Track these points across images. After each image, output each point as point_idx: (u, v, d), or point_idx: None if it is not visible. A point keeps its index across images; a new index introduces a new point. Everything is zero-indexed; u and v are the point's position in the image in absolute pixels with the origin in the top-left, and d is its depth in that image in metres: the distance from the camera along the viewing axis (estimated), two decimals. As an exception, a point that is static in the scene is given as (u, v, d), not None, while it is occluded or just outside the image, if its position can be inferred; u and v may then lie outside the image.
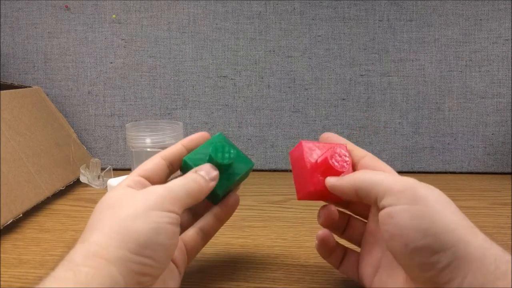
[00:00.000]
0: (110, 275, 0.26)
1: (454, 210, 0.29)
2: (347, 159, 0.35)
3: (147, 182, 0.34)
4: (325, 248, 0.36)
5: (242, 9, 0.72)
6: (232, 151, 0.35)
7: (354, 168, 0.36)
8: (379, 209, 0.30)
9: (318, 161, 0.35)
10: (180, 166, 0.37)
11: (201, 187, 0.33)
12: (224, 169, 0.35)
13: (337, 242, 0.36)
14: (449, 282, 0.26)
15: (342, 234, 0.38)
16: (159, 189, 0.31)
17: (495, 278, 0.25)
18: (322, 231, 0.35)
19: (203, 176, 0.33)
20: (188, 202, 0.32)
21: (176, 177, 0.34)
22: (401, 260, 0.29)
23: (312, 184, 0.35)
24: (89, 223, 0.30)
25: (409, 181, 0.30)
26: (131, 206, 0.29)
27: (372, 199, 0.31)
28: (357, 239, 0.37)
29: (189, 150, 0.36)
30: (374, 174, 0.32)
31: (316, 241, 0.36)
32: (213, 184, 0.34)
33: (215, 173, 0.34)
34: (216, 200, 0.37)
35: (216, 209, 0.37)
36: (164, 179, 0.36)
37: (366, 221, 0.36)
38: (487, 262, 0.26)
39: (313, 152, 0.36)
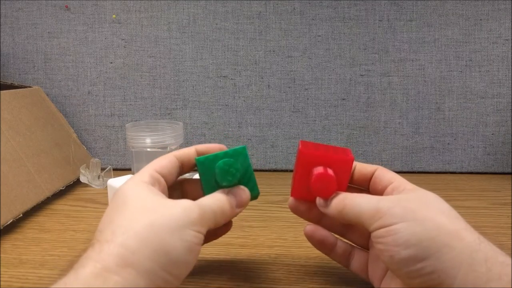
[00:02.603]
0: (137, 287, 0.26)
1: (437, 214, 0.29)
2: (335, 189, 0.34)
3: (163, 180, 0.33)
4: (315, 241, 0.36)
5: (242, 9, 0.72)
6: (237, 175, 0.34)
7: (366, 181, 0.36)
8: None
9: (312, 174, 0.34)
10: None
11: (225, 216, 0.32)
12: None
13: (339, 239, 0.37)
14: (439, 285, 0.27)
15: (343, 235, 0.38)
16: (195, 209, 0.30)
17: (488, 279, 0.25)
18: (309, 226, 0.37)
19: (231, 203, 0.33)
20: (211, 227, 0.32)
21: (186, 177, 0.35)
22: (392, 271, 0.31)
23: (295, 191, 0.36)
24: (119, 220, 0.29)
25: (390, 203, 0.30)
26: (169, 218, 0.28)
27: (359, 225, 0.32)
28: (363, 242, 0.37)
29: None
30: (357, 201, 0.31)
31: (305, 236, 0.37)
32: (239, 211, 0.34)
33: (245, 200, 0.34)
34: None
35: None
36: (175, 178, 0.35)
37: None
38: (477, 264, 0.26)
39: (309, 158, 0.35)
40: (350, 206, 0.32)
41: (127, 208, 0.29)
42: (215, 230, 0.36)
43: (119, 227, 0.28)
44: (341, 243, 0.37)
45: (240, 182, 0.35)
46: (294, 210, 0.37)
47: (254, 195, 0.36)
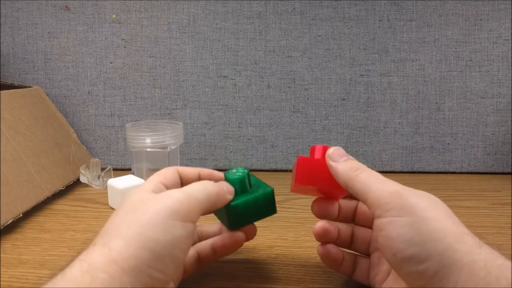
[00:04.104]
0: (123, 285, 0.26)
1: (444, 216, 0.29)
2: None
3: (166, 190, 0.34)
4: (330, 260, 0.36)
5: (242, 9, 0.72)
6: (242, 170, 0.36)
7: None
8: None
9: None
10: None
11: (219, 193, 0.33)
12: (241, 190, 0.36)
13: (344, 252, 0.36)
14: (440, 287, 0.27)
15: (349, 247, 0.37)
16: (178, 194, 0.31)
17: (486, 283, 0.25)
18: (322, 247, 0.36)
19: (223, 186, 0.34)
20: (206, 207, 0.32)
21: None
22: (394, 269, 0.30)
23: (303, 158, 0.35)
24: (110, 224, 0.30)
25: (397, 191, 0.29)
26: (151, 212, 0.29)
27: (363, 202, 0.31)
28: (365, 249, 0.37)
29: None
30: (367, 177, 0.31)
31: (319, 256, 0.36)
32: (230, 197, 0.34)
33: (231, 187, 0.35)
34: (231, 222, 0.36)
35: (215, 240, 0.37)
36: None
37: (371, 229, 0.36)
38: (477, 268, 0.26)
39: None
40: (360, 180, 0.31)
41: (119, 212, 0.30)
42: (221, 247, 0.37)
43: (106, 231, 0.29)
44: (347, 255, 0.36)
45: (250, 187, 0.37)
46: (322, 236, 0.36)
47: (269, 191, 0.37)
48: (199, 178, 0.36)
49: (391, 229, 0.28)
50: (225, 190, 0.34)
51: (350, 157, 0.34)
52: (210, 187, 0.33)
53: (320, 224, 0.35)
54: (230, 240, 0.36)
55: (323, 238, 0.36)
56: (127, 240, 0.27)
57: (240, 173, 0.36)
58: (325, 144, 0.37)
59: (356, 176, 0.31)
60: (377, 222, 0.29)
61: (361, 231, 0.37)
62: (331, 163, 0.33)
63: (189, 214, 0.30)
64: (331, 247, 0.35)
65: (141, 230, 0.28)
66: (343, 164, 0.33)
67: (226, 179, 0.36)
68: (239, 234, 0.37)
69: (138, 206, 0.30)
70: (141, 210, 0.29)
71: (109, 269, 0.26)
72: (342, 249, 0.36)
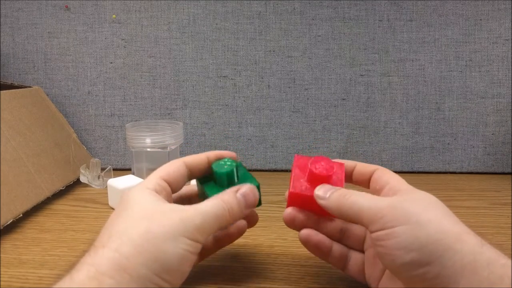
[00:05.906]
0: None
1: (442, 217, 0.29)
2: (334, 170, 0.35)
3: (168, 188, 0.34)
4: (312, 247, 0.35)
5: (242, 9, 0.72)
6: (230, 163, 0.35)
7: (366, 181, 0.36)
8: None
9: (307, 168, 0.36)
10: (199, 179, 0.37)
11: (233, 217, 0.32)
12: (227, 184, 0.35)
13: (334, 243, 0.36)
14: None
15: (339, 242, 0.37)
16: (195, 216, 0.30)
17: (490, 283, 0.25)
18: (304, 230, 0.35)
19: (239, 201, 0.33)
20: (214, 231, 0.32)
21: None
22: (393, 273, 0.30)
23: (293, 186, 0.35)
24: (116, 224, 0.29)
25: (389, 204, 0.29)
26: (165, 225, 0.29)
27: (359, 223, 0.31)
28: (359, 245, 0.36)
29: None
30: (358, 198, 0.31)
31: (301, 242, 0.36)
32: (247, 212, 0.34)
33: (254, 199, 0.34)
34: None
35: (218, 232, 0.37)
36: (182, 186, 0.36)
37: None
38: (480, 268, 0.26)
39: (303, 162, 0.37)
40: (350, 203, 0.31)
41: (126, 214, 0.30)
42: (225, 236, 0.37)
43: (116, 233, 0.29)
44: (337, 246, 0.36)
45: (238, 179, 0.36)
46: (290, 222, 0.36)
47: (255, 186, 0.36)
48: (208, 163, 0.36)
49: (388, 239, 0.28)
50: (243, 207, 0.33)
51: (336, 187, 0.33)
52: (225, 215, 0.32)
53: (289, 210, 0.35)
54: (233, 229, 0.37)
55: (292, 226, 0.36)
56: (137, 247, 0.27)
57: (228, 166, 0.35)
58: (320, 155, 0.37)
59: (346, 200, 0.31)
60: (374, 236, 0.29)
61: (354, 227, 0.36)
62: (321, 201, 0.33)
63: (200, 237, 0.30)
64: (312, 233, 0.35)
65: (153, 240, 0.28)
66: (331, 197, 0.33)
67: (214, 172, 0.35)
68: (242, 221, 0.37)
69: (150, 213, 0.30)
70: (153, 219, 0.29)
71: (117, 275, 0.26)
72: (333, 241, 0.36)
